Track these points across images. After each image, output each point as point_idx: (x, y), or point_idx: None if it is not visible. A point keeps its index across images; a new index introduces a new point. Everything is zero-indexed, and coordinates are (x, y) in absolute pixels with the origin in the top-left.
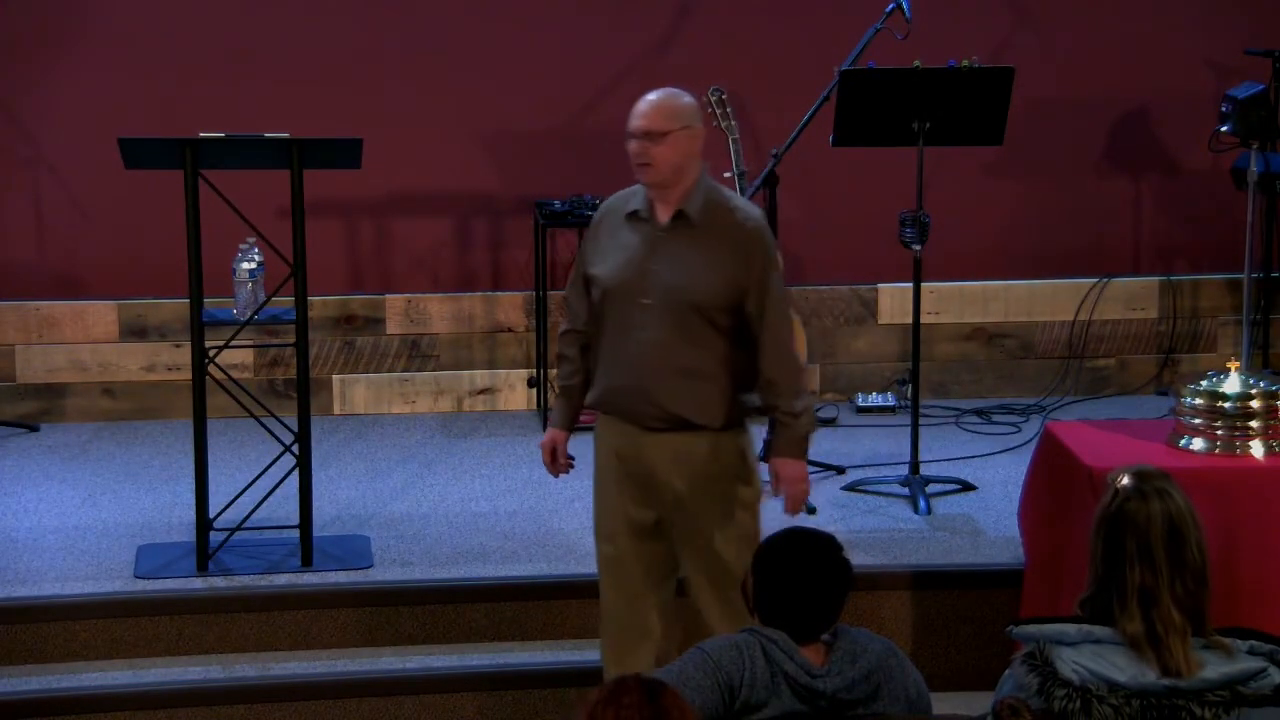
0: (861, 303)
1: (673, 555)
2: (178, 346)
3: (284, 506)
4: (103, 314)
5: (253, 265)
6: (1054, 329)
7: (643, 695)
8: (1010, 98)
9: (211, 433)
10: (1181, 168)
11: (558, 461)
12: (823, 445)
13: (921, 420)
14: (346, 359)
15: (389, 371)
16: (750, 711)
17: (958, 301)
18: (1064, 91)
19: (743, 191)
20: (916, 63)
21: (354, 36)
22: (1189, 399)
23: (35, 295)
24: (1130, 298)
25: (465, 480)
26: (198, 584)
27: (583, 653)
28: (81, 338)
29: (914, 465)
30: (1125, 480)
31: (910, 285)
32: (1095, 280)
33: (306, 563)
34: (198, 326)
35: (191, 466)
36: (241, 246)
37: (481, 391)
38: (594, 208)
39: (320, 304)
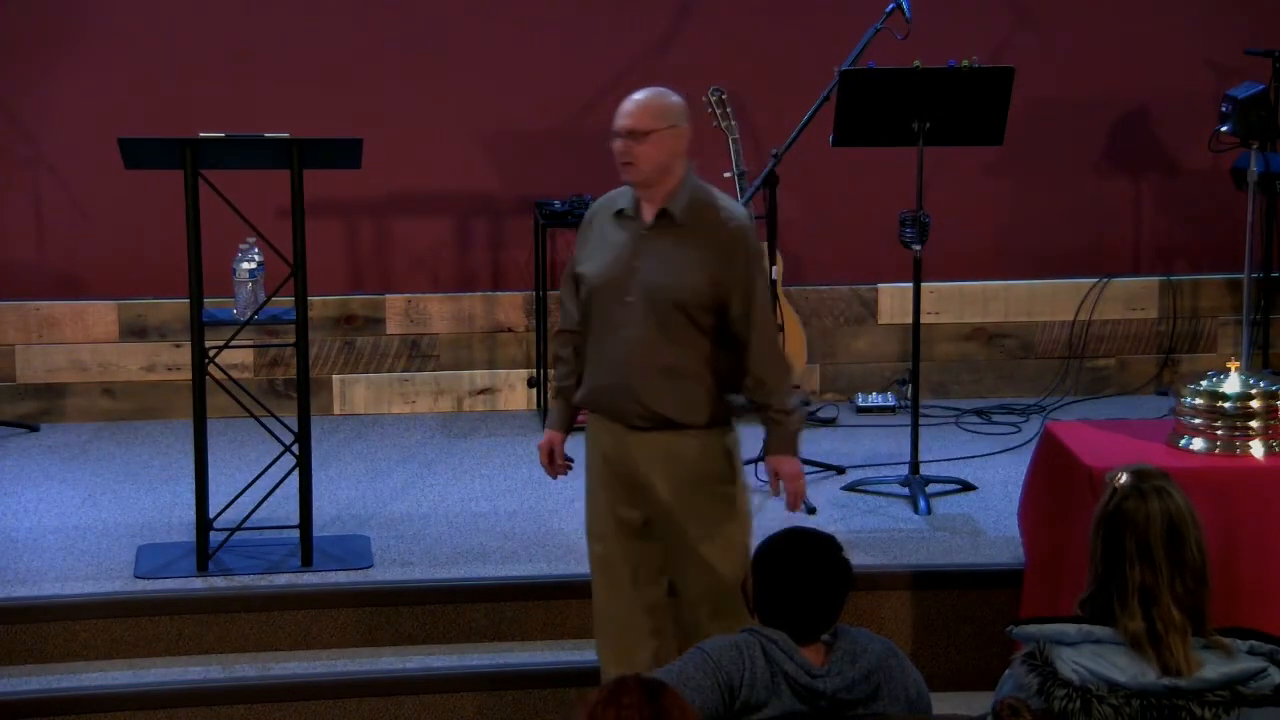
0: (861, 303)
1: (663, 554)
2: (178, 346)
3: (284, 506)
4: (103, 314)
5: (253, 265)
6: (1054, 329)
7: (643, 695)
8: (1010, 98)
9: (211, 433)
10: (1181, 168)
11: (555, 463)
12: (823, 445)
13: (921, 420)
14: (346, 359)
15: (389, 371)
16: (750, 711)
17: (958, 301)
18: (1064, 91)
19: (743, 191)
20: (916, 63)
21: (354, 36)
22: (1189, 399)
23: (35, 295)
24: (1130, 298)
25: (465, 480)
26: (198, 584)
27: (583, 653)
28: (81, 338)
29: (914, 465)
30: (1124, 479)
31: (910, 285)
32: (1095, 280)
33: (306, 563)
34: (198, 326)
35: (191, 466)
36: (241, 246)
37: (481, 391)
38: None
39: (320, 304)
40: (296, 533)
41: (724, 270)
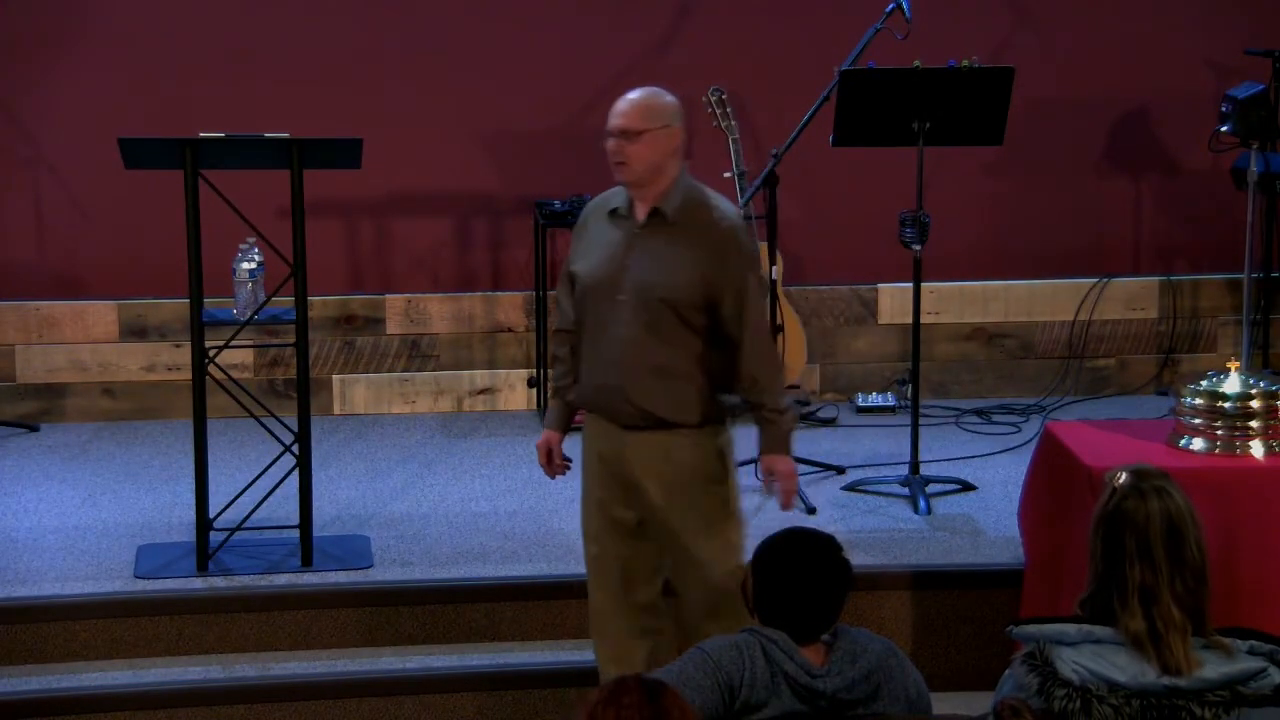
0: (861, 303)
1: (658, 554)
2: (178, 346)
3: (284, 506)
4: (103, 314)
5: (253, 265)
6: (1054, 329)
7: (643, 695)
8: (1010, 98)
9: (211, 433)
10: (1181, 168)
11: (553, 462)
12: (823, 445)
13: (921, 420)
14: (346, 359)
15: (389, 371)
16: (750, 711)
17: (958, 301)
18: (1064, 91)
19: (743, 191)
20: (916, 63)
21: (354, 36)
22: (1189, 399)
23: (35, 295)
24: (1130, 298)
25: (465, 480)
26: (198, 584)
27: (583, 653)
28: (81, 338)
29: (914, 465)
30: (1123, 479)
31: (910, 285)
32: (1095, 280)
33: (306, 563)
34: (198, 326)
35: (191, 466)
36: (241, 246)
37: (481, 391)
38: None
39: (320, 304)
40: (296, 533)
41: (716, 270)
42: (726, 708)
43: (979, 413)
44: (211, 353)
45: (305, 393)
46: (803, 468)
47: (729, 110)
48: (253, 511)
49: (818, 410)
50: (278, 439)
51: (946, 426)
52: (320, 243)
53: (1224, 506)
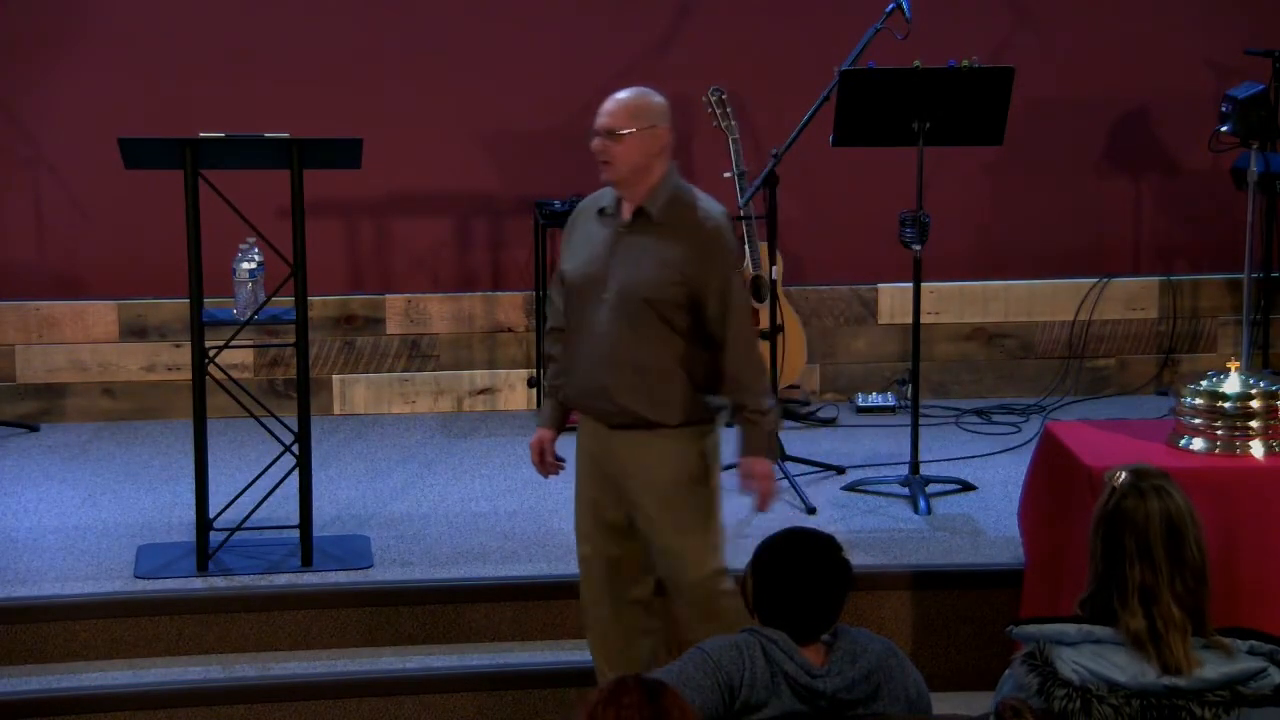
0: (861, 303)
1: (649, 553)
2: (178, 346)
3: (284, 506)
4: (103, 314)
5: (253, 265)
6: (1054, 329)
7: (643, 695)
8: (1010, 98)
9: (211, 433)
10: (1181, 168)
11: (546, 461)
12: (823, 445)
13: (921, 420)
14: (346, 359)
15: (389, 371)
16: (750, 711)
17: (958, 301)
18: (1064, 91)
19: (743, 191)
20: (916, 63)
21: (354, 36)
22: (1189, 399)
23: (35, 295)
24: (1130, 298)
25: (465, 480)
26: (198, 584)
27: (582, 653)
28: (81, 338)
29: (914, 465)
30: (1123, 479)
31: (910, 285)
32: (1095, 280)
33: (306, 563)
34: (198, 326)
35: (191, 466)
36: (241, 246)
37: (481, 391)
38: None
39: (320, 304)
40: (296, 533)
41: (699, 269)
42: (726, 708)
43: (979, 413)
44: (211, 353)
45: (305, 393)
46: (803, 468)
47: (729, 110)
48: (253, 511)
49: (818, 410)
50: (278, 439)
51: (946, 426)
52: (320, 243)
53: (1224, 506)
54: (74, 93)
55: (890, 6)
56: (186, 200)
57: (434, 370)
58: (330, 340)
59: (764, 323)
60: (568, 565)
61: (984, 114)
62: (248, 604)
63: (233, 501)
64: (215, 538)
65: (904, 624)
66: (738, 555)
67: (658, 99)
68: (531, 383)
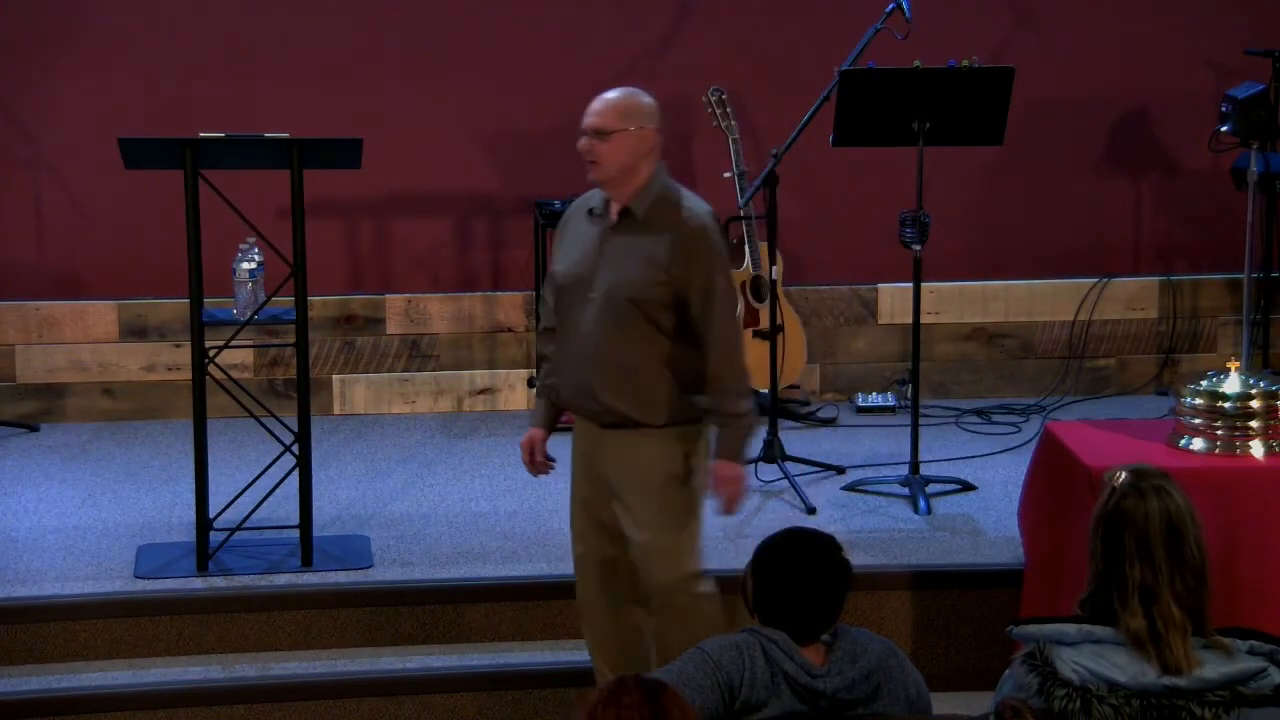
0: (861, 303)
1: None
2: (178, 346)
3: (284, 506)
4: (103, 314)
5: (253, 265)
6: (1054, 329)
7: (643, 695)
8: (1010, 98)
9: (211, 433)
10: (1181, 168)
11: (536, 461)
12: (823, 445)
13: (921, 420)
14: (346, 359)
15: (389, 371)
16: (750, 711)
17: (958, 301)
18: (1064, 91)
19: (743, 191)
20: (916, 63)
21: (354, 36)
22: (1189, 399)
23: (35, 295)
24: (1130, 298)
25: (465, 480)
26: (198, 584)
27: (582, 653)
28: (81, 338)
29: (914, 465)
30: (1123, 478)
31: (910, 285)
32: (1095, 280)
33: (306, 563)
34: (198, 326)
35: (191, 466)
36: (241, 246)
37: (481, 391)
38: None
39: (320, 304)
40: (296, 533)
41: (682, 268)
42: (726, 708)
43: (979, 413)
44: (211, 353)
45: (305, 393)
46: (803, 468)
47: (729, 110)
48: (253, 511)
49: (818, 410)
50: (278, 439)
51: (946, 426)
52: (320, 243)
53: (1224, 506)
54: (74, 93)
55: (890, 6)
56: (186, 200)
57: (434, 370)
58: (330, 340)
59: (764, 323)
60: (567, 565)
61: (984, 114)
62: (248, 604)
63: (233, 501)
64: (215, 538)
65: (904, 624)
66: (738, 555)
67: (646, 99)
68: (531, 383)
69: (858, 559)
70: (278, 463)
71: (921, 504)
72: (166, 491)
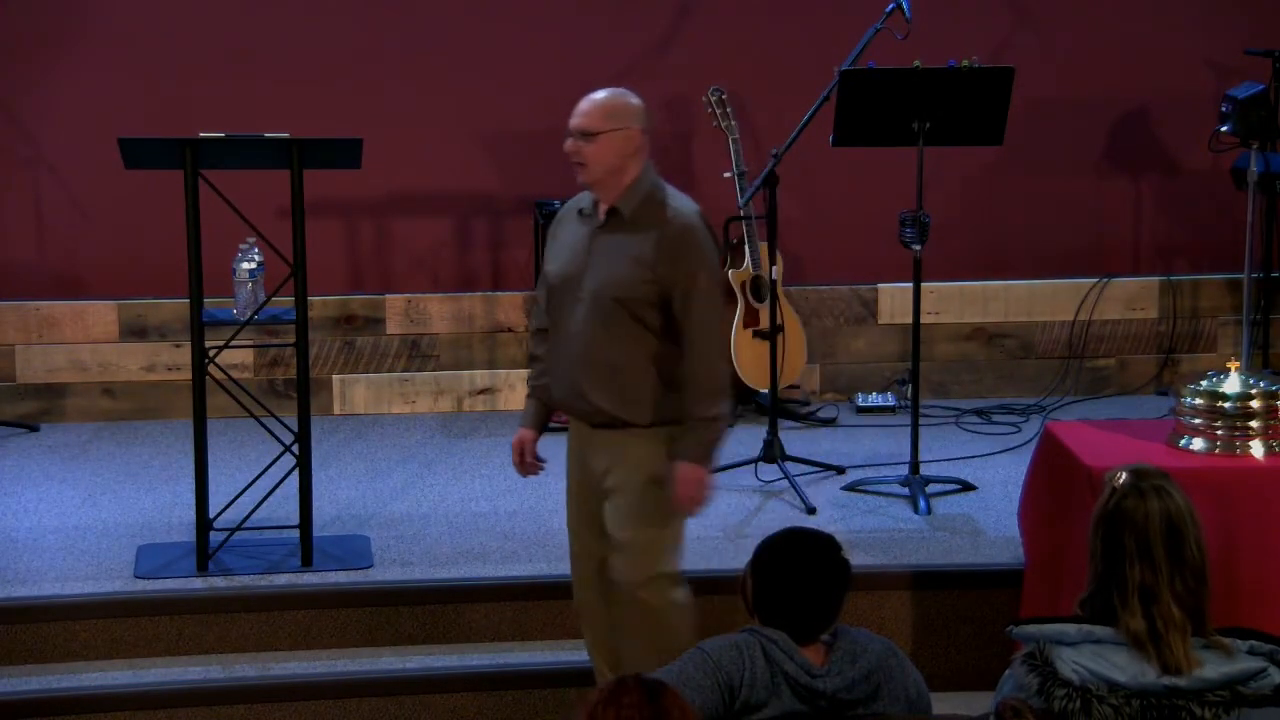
0: (861, 303)
1: None
2: (178, 346)
3: (284, 506)
4: (103, 314)
5: (253, 265)
6: (1054, 329)
7: (643, 695)
8: (1010, 98)
9: (211, 433)
10: (1181, 168)
11: (526, 461)
12: (823, 445)
13: (921, 420)
14: (346, 359)
15: (389, 371)
16: (750, 711)
17: (958, 301)
18: (1064, 91)
19: (743, 191)
20: (916, 63)
21: (354, 36)
22: (1189, 399)
23: (35, 295)
24: (1130, 298)
25: (465, 480)
26: (198, 584)
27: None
28: (81, 338)
29: (914, 465)
30: (1123, 479)
31: (910, 285)
32: (1095, 280)
33: (306, 563)
34: (198, 326)
35: (191, 466)
36: (241, 246)
37: (481, 391)
38: None
39: (320, 304)
40: (296, 533)
41: (667, 267)
42: (726, 708)
43: (979, 413)
44: (211, 353)
45: (305, 393)
46: (803, 468)
47: (729, 110)
48: (253, 511)
49: (818, 410)
50: (278, 439)
51: (946, 426)
52: (320, 243)
53: (1224, 506)
54: (74, 93)
55: (890, 6)
56: (186, 200)
57: (434, 370)
58: (330, 340)
59: (764, 323)
60: (567, 565)
61: (984, 114)
62: (248, 604)
63: (233, 501)
64: (215, 538)
65: (904, 624)
66: (738, 555)
67: (633, 100)
68: None
69: (858, 559)
70: (278, 463)
71: (921, 504)
72: (166, 491)
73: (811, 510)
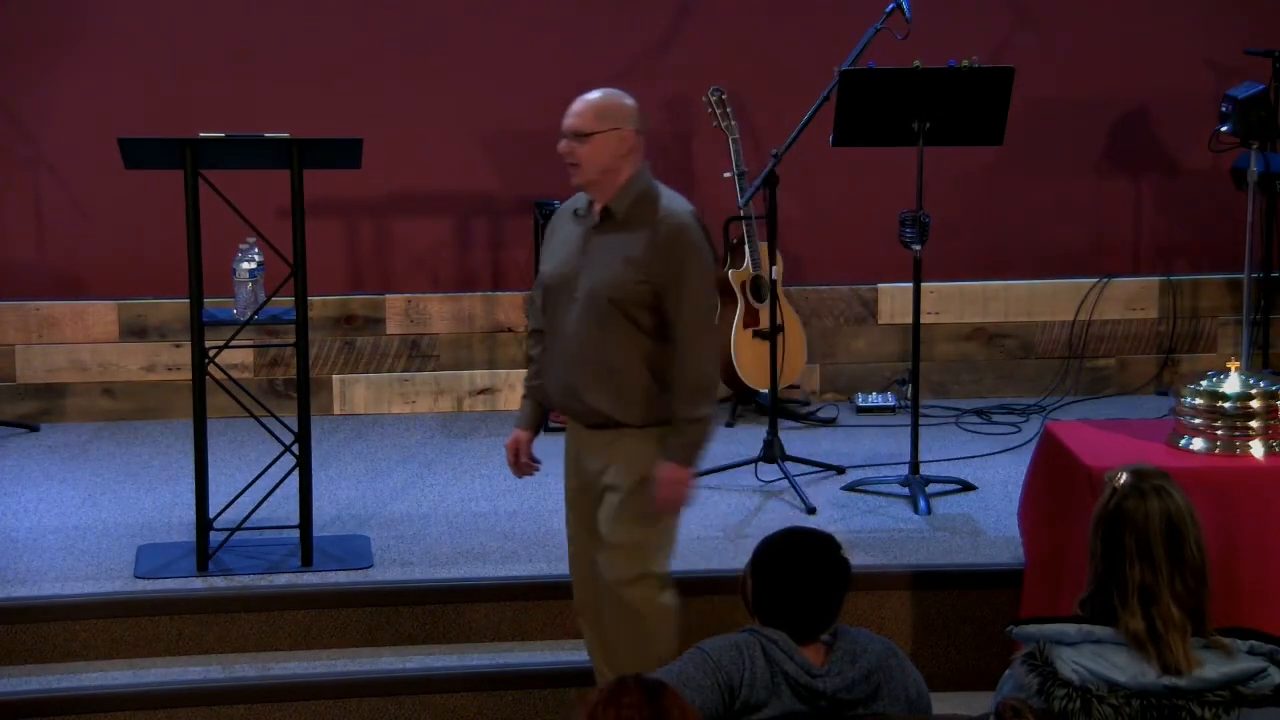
0: (861, 303)
1: None
2: (178, 346)
3: (284, 506)
4: (103, 314)
5: (253, 265)
6: (1054, 329)
7: (643, 695)
8: (1010, 98)
9: (211, 433)
10: (1181, 168)
11: (520, 463)
12: (823, 445)
13: (921, 420)
14: (346, 359)
15: (389, 371)
16: (750, 711)
17: (958, 301)
18: (1064, 91)
19: (743, 191)
20: (916, 63)
21: (354, 36)
22: (1189, 399)
23: (35, 295)
24: (1130, 298)
25: (465, 480)
26: (198, 584)
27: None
28: (81, 338)
29: (914, 465)
30: (1123, 479)
31: (910, 285)
32: (1095, 280)
33: (306, 563)
34: (198, 326)
35: (191, 466)
36: (241, 246)
37: (481, 391)
38: None
39: (320, 304)
40: (296, 533)
41: (659, 267)
42: (726, 708)
43: (979, 413)
44: (211, 353)
45: (305, 393)
46: (803, 468)
47: (729, 110)
48: (253, 511)
49: (818, 410)
50: (278, 439)
51: (946, 426)
52: (320, 243)
53: (1224, 506)
54: (74, 93)
55: (890, 6)
56: (186, 200)
57: (434, 370)
58: (330, 340)
59: (764, 323)
60: (567, 565)
61: (984, 114)
62: (248, 604)
63: (233, 501)
64: (215, 538)
65: (904, 624)
66: (738, 555)
67: (628, 100)
68: None
69: (858, 559)
70: (278, 463)
71: (921, 504)
72: (166, 491)
73: (811, 510)
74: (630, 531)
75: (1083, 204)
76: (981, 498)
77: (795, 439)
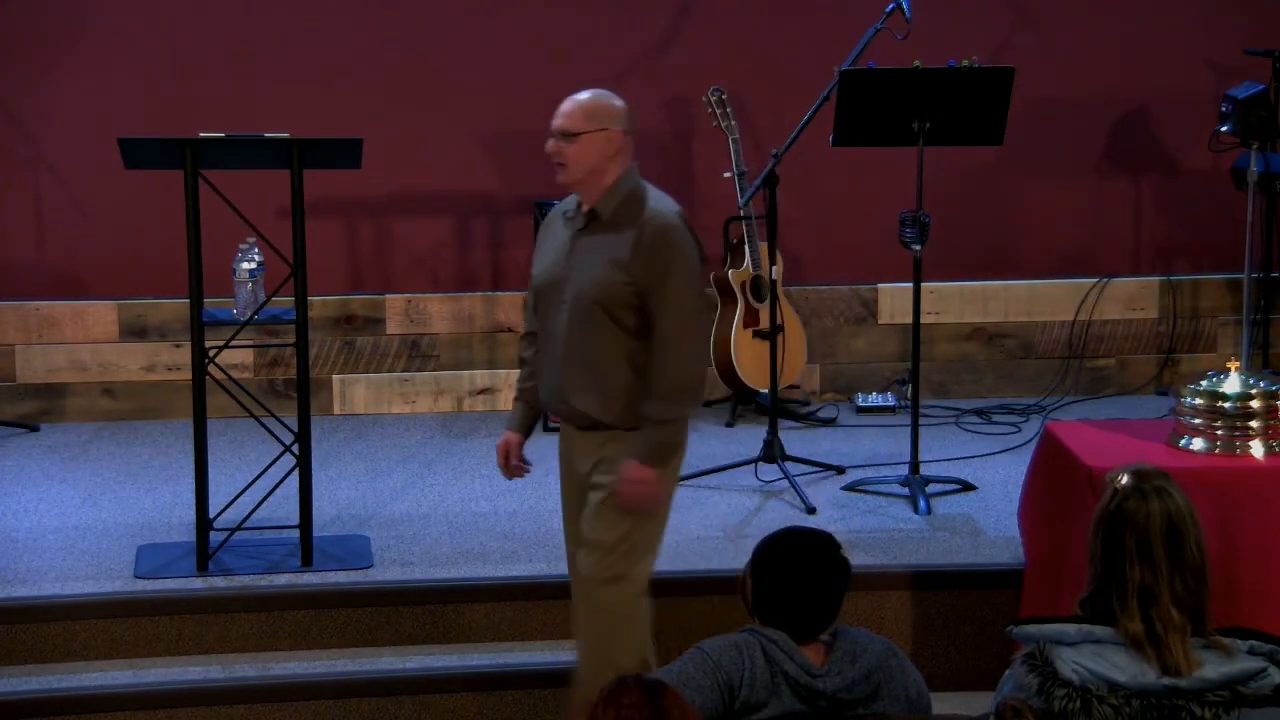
0: (861, 303)
1: None
2: (178, 346)
3: (284, 506)
4: (103, 314)
5: (253, 265)
6: (1054, 329)
7: (643, 695)
8: (1010, 98)
9: (211, 433)
10: (1181, 168)
11: (510, 464)
12: (823, 445)
13: (921, 420)
14: (346, 359)
15: (389, 371)
16: (750, 711)
17: (958, 301)
18: (1064, 91)
19: (743, 191)
20: (916, 63)
21: (354, 36)
22: (1189, 399)
23: (35, 295)
24: (1130, 298)
25: (465, 480)
26: (198, 584)
27: None
28: (81, 338)
29: (914, 465)
30: (1124, 479)
31: (910, 285)
32: (1095, 280)
33: (306, 563)
34: (198, 326)
35: (191, 466)
36: (241, 246)
37: (481, 391)
38: None
39: (320, 304)
40: (296, 533)
41: (643, 268)
42: (726, 708)
43: (979, 413)
44: (211, 353)
45: (305, 393)
46: (803, 468)
47: (729, 110)
48: (253, 511)
49: (818, 410)
50: (278, 439)
51: (946, 426)
52: (320, 243)
53: (1224, 506)
54: (74, 93)
55: (890, 6)
56: (186, 200)
57: (434, 370)
58: (330, 340)
59: (764, 323)
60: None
61: (984, 114)
62: (248, 604)
63: (233, 501)
64: (215, 538)
65: (904, 624)
66: (738, 555)
67: (616, 101)
68: None
69: (858, 559)
70: (278, 463)
71: (921, 504)
72: (166, 491)
73: (811, 510)
74: (608, 531)
75: (1083, 204)
76: (981, 498)
77: (795, 439)
